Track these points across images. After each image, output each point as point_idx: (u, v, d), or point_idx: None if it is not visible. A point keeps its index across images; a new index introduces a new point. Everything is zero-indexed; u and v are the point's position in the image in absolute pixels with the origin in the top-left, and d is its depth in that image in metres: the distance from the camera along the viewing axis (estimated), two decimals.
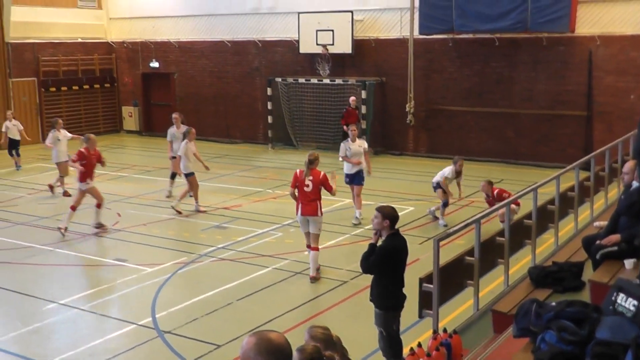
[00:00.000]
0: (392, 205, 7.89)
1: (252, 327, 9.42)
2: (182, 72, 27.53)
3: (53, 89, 27.13)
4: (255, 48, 25.47)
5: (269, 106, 24.53)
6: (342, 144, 14.99)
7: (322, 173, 11.31)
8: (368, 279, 10.74)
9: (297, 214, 11.34)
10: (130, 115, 28.74)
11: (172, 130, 17.24)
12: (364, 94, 22.46)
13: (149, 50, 28.12)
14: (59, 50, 27.34)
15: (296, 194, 11.35)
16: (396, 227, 7.64)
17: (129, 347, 9.12)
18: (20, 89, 26.24)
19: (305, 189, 11.17)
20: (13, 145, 20.95)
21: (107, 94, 29.09)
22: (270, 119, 24.60)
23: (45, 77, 26.86)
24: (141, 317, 9.99)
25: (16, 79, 26.00)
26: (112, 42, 29.10)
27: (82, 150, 14.08)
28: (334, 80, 23.33)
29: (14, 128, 20.78)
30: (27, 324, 9.93)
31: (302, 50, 23.84)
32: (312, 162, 11.27)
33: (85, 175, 14.11)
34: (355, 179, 14.77)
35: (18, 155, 21.09)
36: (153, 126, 28.52)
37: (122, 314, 10.33)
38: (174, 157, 16.87)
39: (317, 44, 23.31)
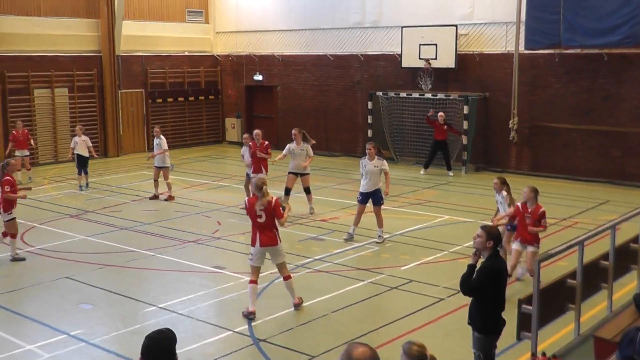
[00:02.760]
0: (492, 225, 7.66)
1: (346, 339, 9.37)
2: (284, 85, 27.88)
3: (159, 100, 27.98)
4: (357, 62, 25.54)
5: (369, 120, 24.52)
6: (361, 160, 14.55)
7: (274, 199, 10.35)
8: (465, 297, 10.57)
9: (254, 245, 10.41)
10: (232, 127, 29.30)
11: (291, 146, 16.89)
12: (466, 109, 22.14)
13: (253, 63, 28.63)
14: (166, 63, 28.18)
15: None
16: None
17: (224, 353, 9.22)
18: (129, 100, 27.17)
19: (259, 219, 10.28)
20: (81, 163, 19.93)
21: (211, 105, 29.77)
22: (370, 133, 24.56)
23: (153, 89, 27.75)
24: (237, 325, 10.08)
25: (125, 90, 26.94)
26: (217, 55, 29.78)
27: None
28: (436, 95, 23.10)
29: (82, 144, 19.87)
30: (127, 325, 10.20)
31: (404, 64, 23.75)
32: (260, 189, 10.25)
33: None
34: (373, 199, 14.27)
35: (86, 173, 20.08)
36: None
37: (218, 320, 10.46)
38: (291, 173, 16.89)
39: (420, 58, 23.18)
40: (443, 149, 22.34)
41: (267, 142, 16.98)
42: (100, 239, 14.85)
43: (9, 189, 13.14)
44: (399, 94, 23.96)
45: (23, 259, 13.41)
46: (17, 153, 20.75)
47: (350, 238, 14.42)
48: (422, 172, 22.45)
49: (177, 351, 9.18)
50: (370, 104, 24.44)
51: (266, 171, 16.86)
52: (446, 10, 23.14)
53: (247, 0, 28.52)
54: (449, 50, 22.65)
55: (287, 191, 16.83)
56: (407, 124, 23.96)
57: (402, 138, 24.29)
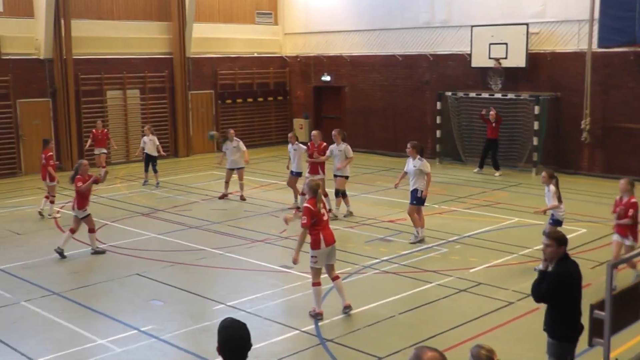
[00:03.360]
0: (558, 228, 7.48)
1: (413, 342, 9.33)
2: (352, 85, 27.88)
3: (229, 101, 28.34)
4: (426, 62, 25.36)
5: (438, 120, 24.33)
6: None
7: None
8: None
9: (320, 248, 10.26)
10: (301, 127, 29.42)
11: (332, 147, 16.77)
12: (537, 110, 21.74)
13: (321, 64, 28.71)
14: (235, 65, 28.50)
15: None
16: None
17: (292, 352, 9.27)
18: (199, 101, 27.59)
19: (324, 218, 10.39)
20: (149, 161, 20.86)
21: (280, 106, 29.99)
22: (438, 133, 24.38)
23: (222, 90, 28.11)
24: (304, 324, 10.12)
25: (195, 91, 27.36)
26: (286, 56, 29.98)
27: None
28: (506, 95, 22.77)
29: (150, 143, 20.72)
30: (196, 322, 10.35)
31: (474, 64, 23.47)
32: (315, 192, 10.29)
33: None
34: (411, 198, 14.32)
35: (155, 172, 20.87)
36: (323, 138, 28.99)
37: (286, 319, 10.52)
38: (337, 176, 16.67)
39: (490, 58, 22.87)
40: (492, 148, 22.21)
41: (325, 144, 16.73)
42: (171, 237, 15.11)
43: (80, 184, 13.74)
44: (468, 94, 23.69)
45: (103, 252, 13.99)
46: (95, 151, 22.10)
47: (415, 240, 14.38)
48: (475, 170, 22.44)
49: None
50: (439, 105, 24.24)
51: (323, 172, 16.66)
52: (517, 8, 22.76)
53: (316, 1, 28.64)
54: (519, 50, 22.27)
55: (337, 193, 16.67)
56: (477, 124, 23.65)
57: (471, 139, 24.02)
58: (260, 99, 29.26)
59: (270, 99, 29.60)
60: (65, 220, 16.56)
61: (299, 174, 17.53)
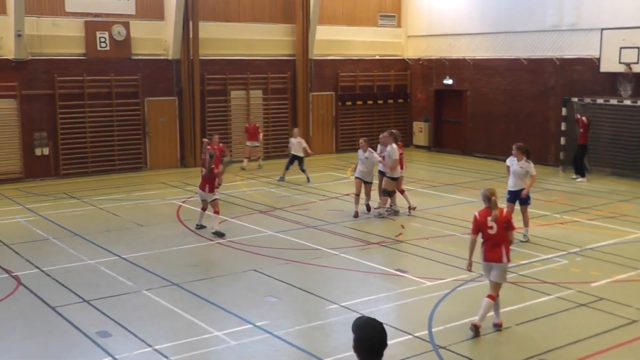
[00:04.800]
0: None
1: (529, 354, 9.10)
2: (475, 89, 27.44)
3: (349, 103, 28.47)
4: (552, 66, 24.64)
5: (563, 127, 23.58)
6: (508, 159, 14.98)
7: (505, 211, 10.16)
8: None
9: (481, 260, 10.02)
10: (420, 131, 29.24)
11: (388, 149, 16.87)
12: None
13: (443, 67, 28.41)
14: (357, 67, 28.60)
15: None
16: None
17: (404, 357, 9.17)
18: (319, 102, 27.86)
19: (490, 231, 9.89)
20: (295, 160, 21.82)
21: (400, 109, 29.86)
22: (562, 141, 23.62)
23: (343, 92, 28.27)
24: (417, 329, 10.01)
25: (316, 93, 27.64)
26: (408, 59, 29.83)
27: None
28: (636, 102, 21.80)
29: (297, 145, 21.74)
30: (310, 321, 10.44)
31: (602, 69, 22.58)
32: (489, 200, 9.98)
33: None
34: (519, 198, 14.59)
35: (303, 170, 21.69)
36: (442, 142, 28.78)
37: (399, 323, 10.44)
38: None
39: (620, 62, 21.95)
40: (578, 153, 22.04)
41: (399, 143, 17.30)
42: (287, 235, 15.31)
43: (218, 171, 15.69)
44: (595, 101, 22.83)
45: (223, 234, 15.05)
46: (247, 143, 24.33)
47: (526, 240, 14.63)
48: (579, 180, 21.87)
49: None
50: (564, 111, 23.49)
51: (403, 169, 17.39)
52: None
53: (440, 3, 28.36)
54: None
55: (384, 192, 17.15)
56: (604, 132, 22.76)
57: (598, 147, 23.09)
58: (380, 102, 29.24)
59: (390, 101, 29.53)
60: (188, 214, 17.11)
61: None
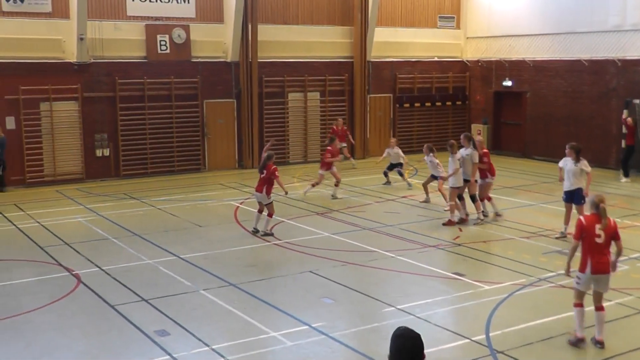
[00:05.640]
0: None
1: None
2: (534, 91, 27.03)
3: (407, 105, 28.35)
4: (614, 67, 24.11)
5: (624, 129, 23.04)
6: (563, 160, 15.12)
7: (612, 220, 9.42)
8: None
9: (584, 272, 9.33)
10: (479, 133, 28.88)
11: (461, 151, 16.60)
12: None
13: (502, 68, 28.07)
14: (415, 69, 28.46)
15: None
16: None
17: None
18: (377, 104, 27.80)
19: (597, 239, 9.27)
20: (394, 167, 21.23)
21: (458, 111, 29.61)
22: (623, 143, 23.08)
23: (401, 94, 28.16)
24: (475, 333, 9.90)
25: (373, 94, 27.58)
26: (467, 60, 29.56)
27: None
28: None
29: (395, 155, 21.06)
30: (366, 323, 10.41)
31: None
32: (597, 207, 9.34)
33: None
34: (574, 198, 14.72)
35: (402, 175, 21.17)
36: (501, 144, 28.42)
37: (456, 327, 10.34)
38: None
39: None
40: (625, 154, 22.25)
41: (485, 150, 16.93)
42: (343, 237, 15.31)
43: (277, 174, 15.49)
44: None
45: (271, 234, 15.29)
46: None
47: (561, 236, 14.94)
48: (624, 180, 21.93)
49: None
50: (625, 113, 22.96)
51: (493, 176, 16.88)
52: None
53: (500, 4, 28.02)
54: None
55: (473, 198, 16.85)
56: None
57: None
58: (438, 104, 29.03)
59: (448, 103, 29.30)
60: (246, 215, 17.26)
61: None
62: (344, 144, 24.76)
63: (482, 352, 9.31)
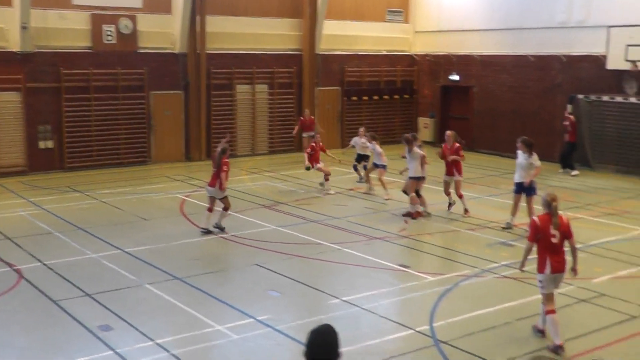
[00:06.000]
0: None
1: (529, 349, 9.13)
2: (481, 85, 27.38)
3: (355, 98, 28.45)
4: (559, 63, 24.56)
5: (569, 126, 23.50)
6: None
7: (565, 218, 9.34)
8: None
9: (544, 272, 9.25)
10: (425, 127, 29.19)
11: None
12: None
13: (450, 63, 28.36)
14: (363, 62, 28.57)
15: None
16: None
17: (404, 352, 9.20)
18: (325, 97, 27.84)
19: (553, 239, 9.22)
20: (361, 160, 20.68)
21: (406, 104, 29.83)
22: (566, 137, 23.54)
23: (349, 87, 28.25)
24: (419, 324, 10.02)
25: (322, 87, 27.62)
26: (415, 55, 29.78)
27: None
28: None
29: (362, 147, 20.41)
30: (312, 315, 10.44)
31: (609, 66, 22.52)
32: (550, 206, 9.23)
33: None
34: (524, 190, 15.06)
35: (365, 169, 20.23)
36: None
37: (401, 318, 10.45)
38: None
39: (627, 60, 21.88)
40: (567, 149, 22.62)
41: (458, 145, 16.63)
42: (290, 230, 15.33)
43: (226, 169, 14.89)
44: (601, 98, 22.78)
45: (223, 228, 14.97)
46: (303, 134, 24.65)
47: (507, 227, 15.26)
48: (573, 172, 22.25)
49: (358, 345, 9.34)
50: (570, 108, 23.43)
51: (460, 174, 16.60)
52: None
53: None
54: None
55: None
56: (609, 129, 22.72)
57: (603, 144, 23.04)
58: (386, 97, 29.20)
59: (396, 97, 29.49)
60: (192, 207, 17.16)
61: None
62: (312, 134, 24.03)
63: (425, 343, 9.43)
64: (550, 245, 9.15)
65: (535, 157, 14.99)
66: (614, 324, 10.10)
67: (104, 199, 18.45)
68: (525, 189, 15.08)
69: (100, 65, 22.94)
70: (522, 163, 15.03)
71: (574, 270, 9.35)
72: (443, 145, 16.88)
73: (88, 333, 9.67)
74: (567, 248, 9.37)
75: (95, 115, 23.00)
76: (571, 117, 22.65)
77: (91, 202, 18.16)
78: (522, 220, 15.51)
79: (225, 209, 15.16)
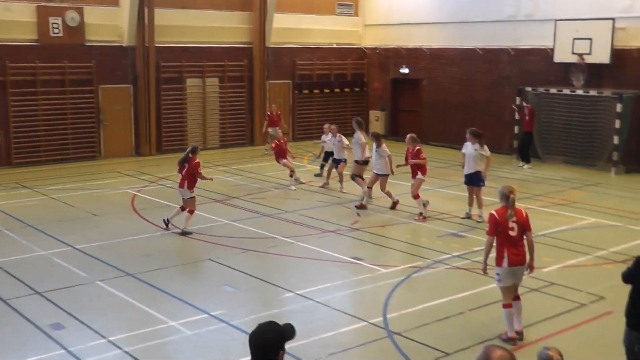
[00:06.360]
0: None
1: (482, 339, 9.24)
2: (431, 78, 27.62)
3: (306, 92, 28.46)
4: (507, 56, 24.91)
5: (517, 116, 23.88)
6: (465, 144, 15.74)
7: (524, 211, 9.34)
8: (608, 304, 10.16)
9: (502, 265, 9.16)
10: (376, 119, 29.35)
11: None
12: (619, 108, 21.12)
13: (400, 56, 28.54)
14: (314, 55, 28.59)
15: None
16: None
17: (359, 343, 9.28)
18: (276, 91, 27.78)
19: (511, 232, 9.16)
20: (328, 158, 19.90)
21: (357, 97, 29.95)
22: (516, 129, 23.95)
23: (300, 80, 28.25)
24: (373, 316, 10.11)
25: (273, 81, 27.56)
26: (365, 48, 29.90)
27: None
28: (588, 92, 22.16)
29: (330, 144, 19.78)
30: (266, 309, 10.46)
31: (556, 59, 22.93)
32: (507, 198, 9.22)
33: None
34: (473, 180, 15.39)
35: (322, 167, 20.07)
36: (399, 131, 28.88)
37: (354, 310, 10.52)
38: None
39: (573, 53, 22.31)
40: (525, 141, 22.66)
41: (418, 147, 16.22)
42: (243, 224, 15.28)
43: (200, 169, 14.50)
44: (549, 90, 23.18)
45: (190, 233, 14.48)
46: (269, 130, 24.30)
47: (467, 216, 15.65)
48: (526, 166, 22.49)
49: (312, 338, 9.35)
50: (518, 100, 23.80)
51: (423, 174, 16.19)
52: (604, 3, 22.07)
53: None
54: (604, 45, 21.65)
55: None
56: (557, 121, 23.14)
57: (551, 136, 23.48)
58: (337, 90, 29.28)
59: (347, 90, 29.59)
60: (142, 203, 16.98)
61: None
62: (278, 129, 23.88)
63: (379, 334, 9.51)
64: (509, 238, 9.11)
65: (485, 148, 15.31)
66: (564, 312, 10.31)
67: (53, 195, 18.16)
68: (474, 181, 15.35)
69: (47, 58, 22.52)
70: (472, 154, 15.27)
71: (530, 267, 9.36)
72: (406, 148, 16.55)
73: (39, 332, 9.52)
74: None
75: (43, 109, 22.59)
76: (529, 106, 22.77)
77: (40, 199, 17.86)
78: (474, 211, 15.75)
79: (190, 211, 14.46)
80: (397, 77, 28.90)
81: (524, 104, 22.73)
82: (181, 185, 14.61)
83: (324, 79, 28.94)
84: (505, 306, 9.28)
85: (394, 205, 16.71)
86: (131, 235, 14.36)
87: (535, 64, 24.10)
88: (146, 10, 23.86)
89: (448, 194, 18.22)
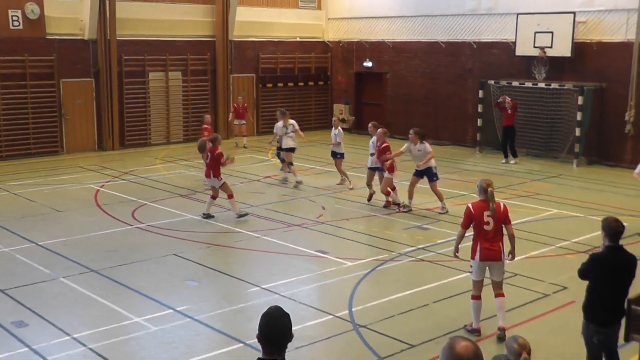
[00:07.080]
0: (617, 219, 7.36)
1: (447, 331, 9.31)
2: (394, 72, 27.72)
3: (270, 85, 28.39)
4: (469, 49, 25.11)
5: (480, 109, 24.09)
6: (408, 144, 15.99)
7: (503, 205, 9.36)
8: (571, 294, 10.31)
9: (474, 258, 9.23)
10: (341, 113, 29.35)
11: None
12: (580, 100, 21.41)
13: (363, 50, 28.60)
14: (278, 49, 28.52)
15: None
16: (620, 242, 7.24)
17: (325, 337, 9.29)
18: (240, 84, 27.67)
19: (486, 227, 9.15)
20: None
21: (321, 91, 29.96)
22: (479, 122, 24.16)
23: (264, 74, 28.17)
24: (338, 309, 10.13)
25: (237, 74, 27.45)
26: (328, 41, 29.91)
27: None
28: (550, 85, 22.42)
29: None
30: (231, 304, 10.43)
31: (518, 52, 23.17)
32: (486, 192, 9.16)
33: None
34: (427, 176, 15.74)
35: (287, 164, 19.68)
36: (363, 124, 28.92)
37: (320, 304, 10.54)
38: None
39: (535, 47, 22.55)
40: (510, 135, 22.18)
41: (386, 144, 16.21)
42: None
43: (224, 160, 15.12)
44: (511, 83, 23.39)
45: (246, 214, 15.05)
46: (235, 122, 24.82)
47: (407, 209, 15.84)
48: (503, 161, 22.25)
49: None
50: (481, 93, 24.00)
51: (390, 172, 16.01)
52: None
53: None
54: (565, 39, 21.93)
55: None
56: (519, 114, 23.32)
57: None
58: (301, 84, 29.26)
59: (311, 83, 29.59)
60: (107, 198, 16.83)
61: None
62: (243, 121, 24.77)
63: (345, 327, 9.54)
64: (483, 232, 9.09)
65: (426, 144, 15.68)
66: (527, 303, 10.44)
67: (15, 191, 17.89)
68: (427, 176, 15.73)
69: (7, 51, 22.17)
70: (417, 154, 15.70)
71: (510, 253, 9.43)
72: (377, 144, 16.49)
73: (1, 330, 9.37)
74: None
75: (3, 104, 22.24)
76: (514, 101, 22.00)
77: (1, 195, 17.58)
78: (433, 204, 15.87)
79: (230, 196, 15.04)
80: (360, 70, 28.96)
81: (507, 99, 21.94)
82: (207, 175, 15.20)
83: (287, 73, 28.90)
84: (473, 297, 9.36)
85: (370, 197, 16.85)
86: (95, 231, 14.22)
87: (498, 57, 24.33)
88: (107, 3, 23.56)
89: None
